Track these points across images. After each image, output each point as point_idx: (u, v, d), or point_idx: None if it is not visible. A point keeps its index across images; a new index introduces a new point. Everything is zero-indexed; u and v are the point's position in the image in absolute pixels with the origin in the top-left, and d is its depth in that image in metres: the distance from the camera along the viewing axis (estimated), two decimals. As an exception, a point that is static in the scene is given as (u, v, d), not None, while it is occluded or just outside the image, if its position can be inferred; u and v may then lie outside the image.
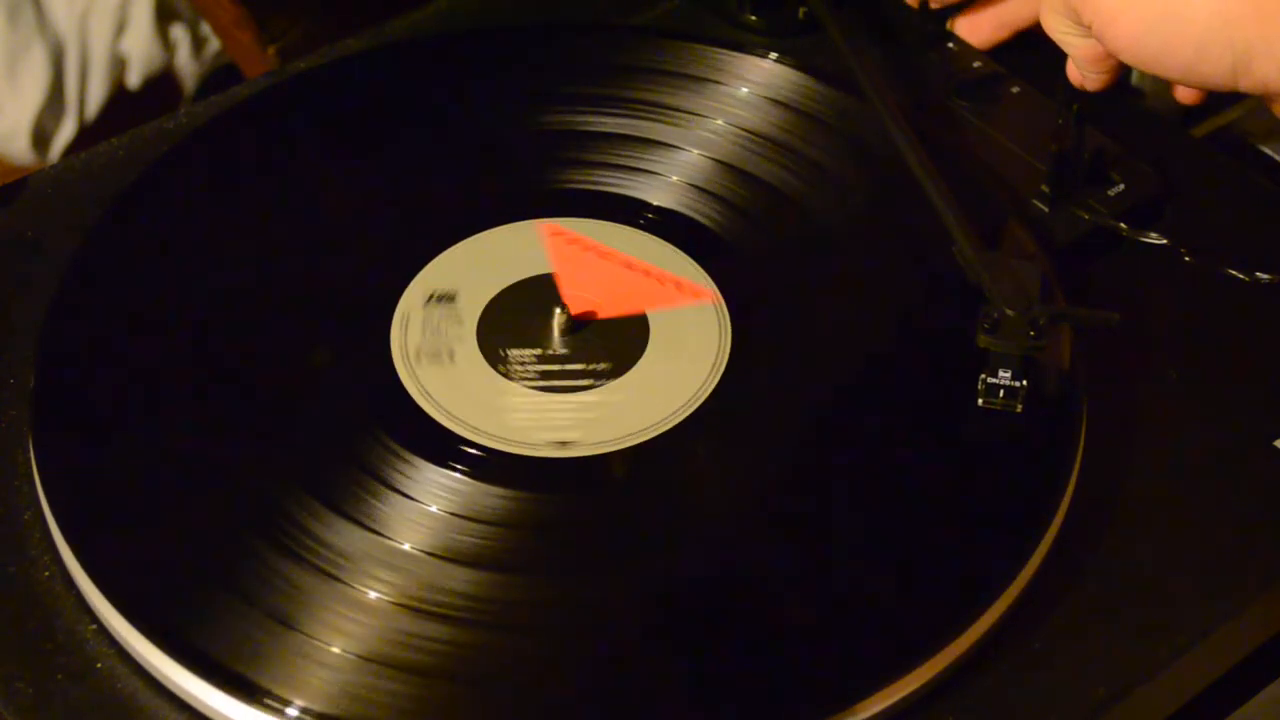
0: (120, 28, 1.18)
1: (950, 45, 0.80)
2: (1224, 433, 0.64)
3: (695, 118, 0.74)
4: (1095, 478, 0.62)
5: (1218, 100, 0.74)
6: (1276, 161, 0.78)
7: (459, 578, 0.57)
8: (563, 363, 0.65)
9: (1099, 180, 0.71)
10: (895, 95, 0.71)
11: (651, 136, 0.73)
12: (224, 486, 0.61)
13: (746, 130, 0.74)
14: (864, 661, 0.56)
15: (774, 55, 0.76)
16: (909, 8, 0.80)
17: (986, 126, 0.75)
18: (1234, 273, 0.69)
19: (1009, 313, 0.61)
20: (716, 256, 0.69)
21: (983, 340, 0.61)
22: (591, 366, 0.64)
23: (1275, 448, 0.63)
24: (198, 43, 1.21)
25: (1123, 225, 0.70)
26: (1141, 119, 0.77)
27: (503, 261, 0.69)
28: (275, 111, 0.76)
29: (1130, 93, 0.79)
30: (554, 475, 0.61)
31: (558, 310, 0.66)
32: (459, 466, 0.61)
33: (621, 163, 0.72)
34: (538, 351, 0.65)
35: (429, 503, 0.59)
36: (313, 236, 0.70)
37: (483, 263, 0.69)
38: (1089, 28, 0.68)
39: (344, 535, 0.58)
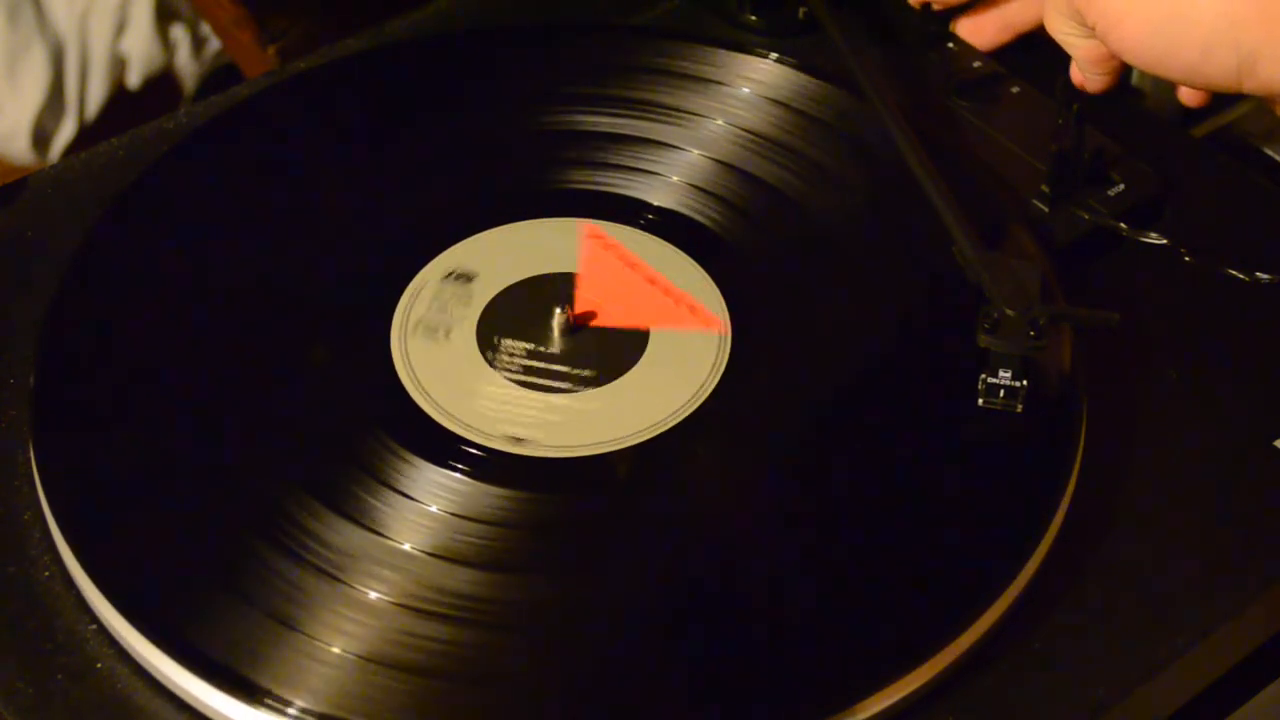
0: (120, 28, 1.18)
1: (950, 45, 0.80)
2: (1224, 433, 0.64)
3: (695, 118, 0.74)
4: (1095, 478, 0.62)
5: (1218, 100, 0.74)
6: (1276, 161, 0.78)
7: (459, 578, 0.57)
8: (550, 361, 0.65)
9: (1099, 180, 0.71)
10: (895, 95, 0.71)
11: (651, 136, 0.73)
12: (224, 486, 0.61)
13: (746, 130, 0.74)
14: (864, 661, 0.56)
15: (774, 55, 0.76)
16: (909, 8, 0.80)
17: (986, 126, 0.75)
18: (1234, 273, 0.69)
19: (1009, 313, 0.61)
20: (716, 256, 0.69)
21: (983, 340, 0.61)
22: (576, 371, 0.64)
23: (1275, 448, 0.63)
24: (198, 43, 1.21)
25: (1123, 225, 0.70)
26: (1141, 119, 0.77)
27: (535, 253, 0.69)
28: (275, 111, 0.76)
29: (1130, 93, 0.79)
30: (554, 475, 0.61)
31: (558, 310, 0.66)
32: (460, 466, 0.61)
33: (621, 163, 0.72)
34: (530, 346, 0.65)
35: (429, 503, 0.59)
36: (312, 236, 0.70)
37: (515, 251, 0.69)
38: (1093, 29, 0.68)
39: (344, 535, 0.58)
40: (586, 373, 0.64)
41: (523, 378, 0.64)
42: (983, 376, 0.62)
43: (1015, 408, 0.62)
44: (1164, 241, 0.70)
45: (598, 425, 0.62)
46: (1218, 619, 0.59)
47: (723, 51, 0.76)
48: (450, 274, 0.67)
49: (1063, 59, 0.75)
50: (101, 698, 0.56)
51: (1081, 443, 0.61)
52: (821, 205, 0.71)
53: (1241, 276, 0.69)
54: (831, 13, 0.76)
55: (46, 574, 0.59)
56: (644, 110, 0.74)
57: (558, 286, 0.68)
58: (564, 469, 0.61)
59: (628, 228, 0.70)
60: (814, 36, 0.80)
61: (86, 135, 1.19)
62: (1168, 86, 0.76)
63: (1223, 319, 0.68)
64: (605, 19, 0.83)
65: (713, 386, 0.64)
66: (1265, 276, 0.69)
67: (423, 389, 0.63)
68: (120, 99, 1.20)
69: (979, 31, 0.79)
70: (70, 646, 0.57)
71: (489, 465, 0.61)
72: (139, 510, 0.60)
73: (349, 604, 0.56)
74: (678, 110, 0.74)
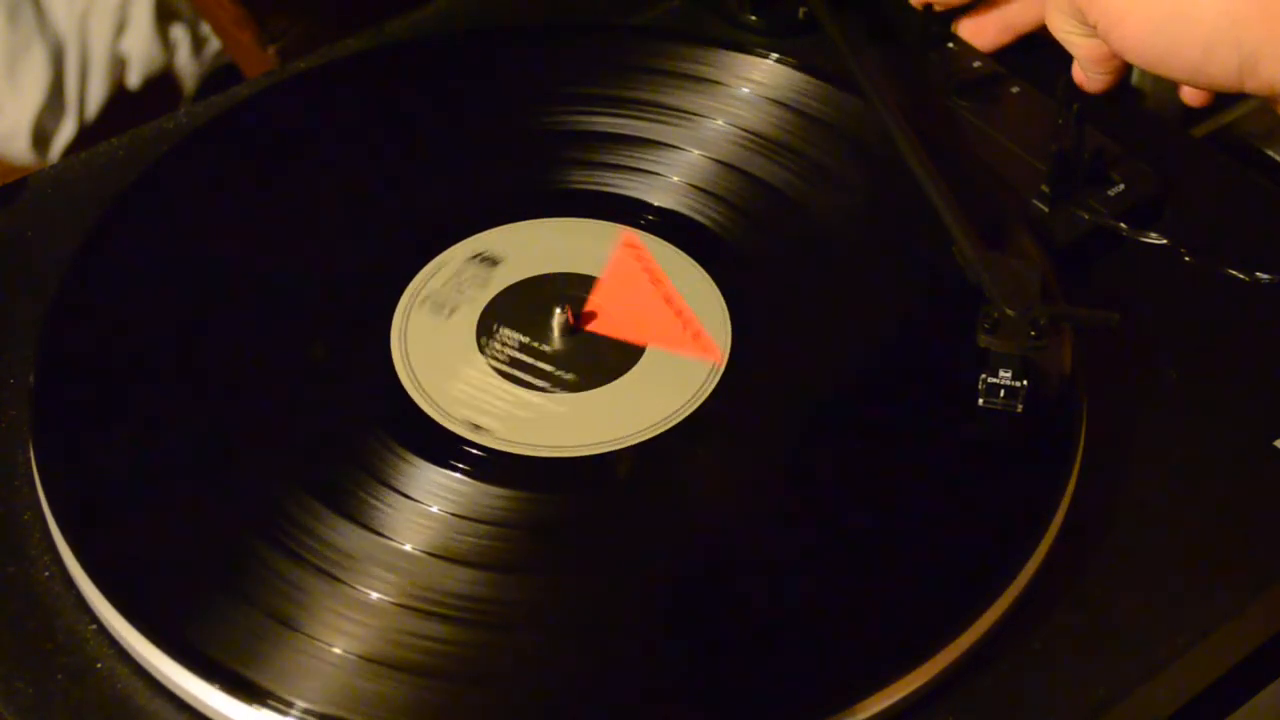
0: (120, 28, 1.18)
1: (950, 45, 0.80)
2: (1224, 433, 0.64)
3: (695, 118, 0.74)
4: (1095, 478, 0.62)
5: (1218, 100, 0.74)
6: (1276, 161, 0.78)
7: (459, 578, 0.57)
8: (539, 359, 0.65)
9: (1099, 180, 0.71)
10: (895, 95, 0.71)
11: (651, 136, 0.73)
12: (224, 486, 0.61)
13: (747, 130, 0.74)
14: (864, 661, 0.56)
15: (774, 55, 0.76)
16: (909, 8, 0.80)
17: (986, 126, 0.75)
18: (1234, 273, 0.69)
19: (1009, 313, 0.61)
20: (716, 256, 0.69)
21: (983, 340, 0.61)
22: (559, 373, 0.64)
23: (1275, 448, 0.63)
24: (198, 43, 1.21)
25: (1123, 225, 0.70)
26: (1141, 119, 0.77)
27: (568, 251, 0.69)
28: (275, 111, 0.76)
29: (1130, 93, 0.79)
30: (555, 476, 0.61)
31: (558, 310, 0.66)
32: (460, 466, 0.61)
33: (621, 163, 0.72)
34: (525, 340, 0.65)
35: (429, 503, 0.59)
36: (311, 236, 0.70)
37: (550, 245, 0.69)
38: (1095, 28, 0.68)
39: (345, 535, 0.58)
40: (569, 376, 0.64)
41: (506, 369, 0.64)
42: (983, 376, 0.62)
43: (1015, 408, 0.62)
44: (1164, 241, 0.70)
45: (560, 429, 0.62)
46: (1218, 619, 0.59)
47: (723, 51, 0.76)
48: (478, 255, 0.68)
49: (1063, 59, 0.75)
50: (101, 698, 0.56)
51: (1081, 443, 0.61)
52: (821, 205, 0.71)
53: (1241, 276, 0.69)
54: (831, 13, 0.76)
55: (46, 574, 0.59)
56: (644, 110, 0.74)
57: (574, 287, 0.68)
58: (564, 469, 0.61)
59: (670, 245, 0.69)
60: (814, 36, 0.80)
61: (86, 135, 1.19)
62: (1168, 86, 0.76)
63: (1223, 319, 0.68)
64: (605, 19, 0.83)
65: (689, 412, 0.63)
66: (1265, 276, 0.69)
67: (406, 360, 0.63)
68: (120, 99, 1.20)
69: (981, 32, 0.79)
70: (70, 646, 0.57)
71: (489, 465, 0.61)
72: (139, 510, 0.60)
73: (349, 604, 0.56)
74: (678, 110, 0.74)
